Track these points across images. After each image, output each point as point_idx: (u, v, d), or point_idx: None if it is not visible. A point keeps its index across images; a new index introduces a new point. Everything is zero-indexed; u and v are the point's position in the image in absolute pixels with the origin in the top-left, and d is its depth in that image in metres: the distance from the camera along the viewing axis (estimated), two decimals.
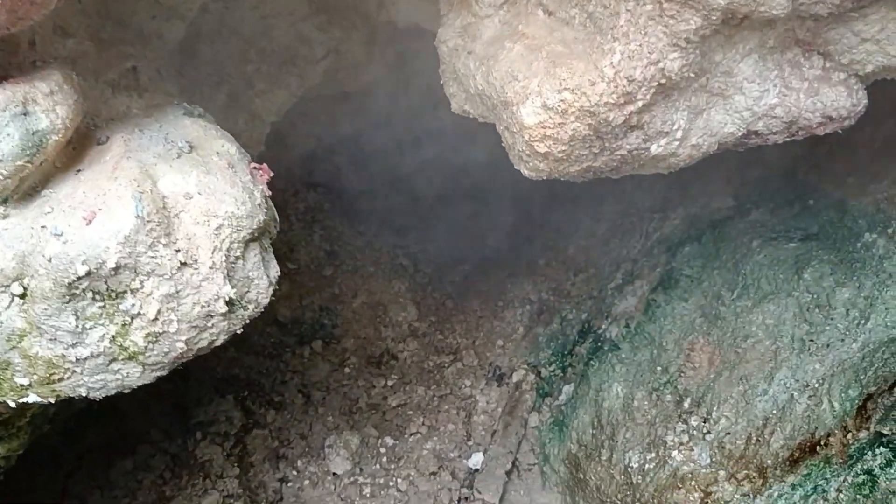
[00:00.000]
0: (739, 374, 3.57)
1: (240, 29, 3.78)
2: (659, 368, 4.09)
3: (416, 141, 6.13)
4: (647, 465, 3.74)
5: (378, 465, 4.74)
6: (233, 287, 2.18)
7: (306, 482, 4.65)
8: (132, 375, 2.18)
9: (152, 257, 2.03)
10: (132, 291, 2.05)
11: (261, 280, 2.31)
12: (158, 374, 2.21)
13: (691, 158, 2.50)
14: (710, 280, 4.13)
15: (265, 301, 2.35)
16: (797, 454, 3.06)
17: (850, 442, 2.86)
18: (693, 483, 3.43)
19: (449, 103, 3.00)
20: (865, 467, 2.72)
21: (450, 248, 6.86)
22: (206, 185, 2.20)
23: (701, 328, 4.00)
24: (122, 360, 2.13)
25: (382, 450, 4.83)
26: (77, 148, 2.25)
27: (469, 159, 6.21)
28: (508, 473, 4.55)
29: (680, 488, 3.46)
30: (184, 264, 2.08)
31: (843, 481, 2.76)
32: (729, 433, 3.44)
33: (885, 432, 2.74)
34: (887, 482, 2.58)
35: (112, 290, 2.04)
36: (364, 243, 5.87)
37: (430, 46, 3.07)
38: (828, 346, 3.27)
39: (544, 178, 2.52)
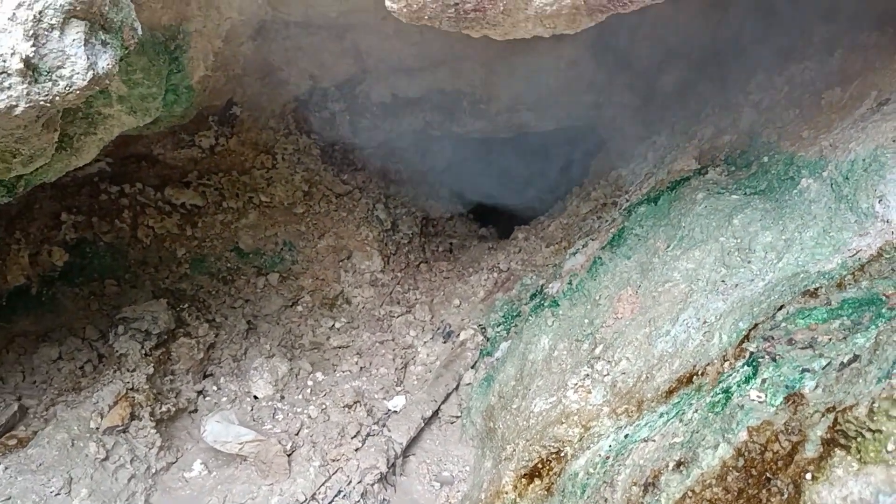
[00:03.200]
0: (650, 317, 3.29)
1: None
2: (587, 321, 3.83)
3: (419, 99, 6.06)
4: (545, 408, 3.47)
5: (301, 396, 4.59)
6: (37, 51, 2.12)
7: (223, 398, 4.54)
8: None
9: None
10: None
11: (80, 60, 2.24)
12: None
13: (560, 5, 2.31)
14: (655, 236, 3.86)
15: (82, 83, 2.27)
16: (675, 385, 2.77)
17: (726, 370, 2.56)
18: (576, 418, 3.16)
19: None
20: (724, 386, 2.43)
21: (445, 220, 6.72)
22: None
23: (634, 281, 3.74)
24: None
25: (310, 382, 4.68)
26: None
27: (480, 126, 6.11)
28: (426, 420, 4.33)
29: (563, 423, 3.19)
30: None
31: (701, 402, 2.47)
32: (624, 373, 3.16)
33: (752, 349, 2.45)
34: (739, 398, 2.29)
35: None
36: (344, 191, 5.79)
37: None
38: (737, 286, 2.98)
39: (405, 11, 2.38)
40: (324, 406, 4.40)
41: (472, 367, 4.66)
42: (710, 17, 5.21)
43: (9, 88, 2.12)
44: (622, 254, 4.02)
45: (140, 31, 2.56)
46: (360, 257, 5.49)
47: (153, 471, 4.02)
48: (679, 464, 2.32)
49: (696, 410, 2.46)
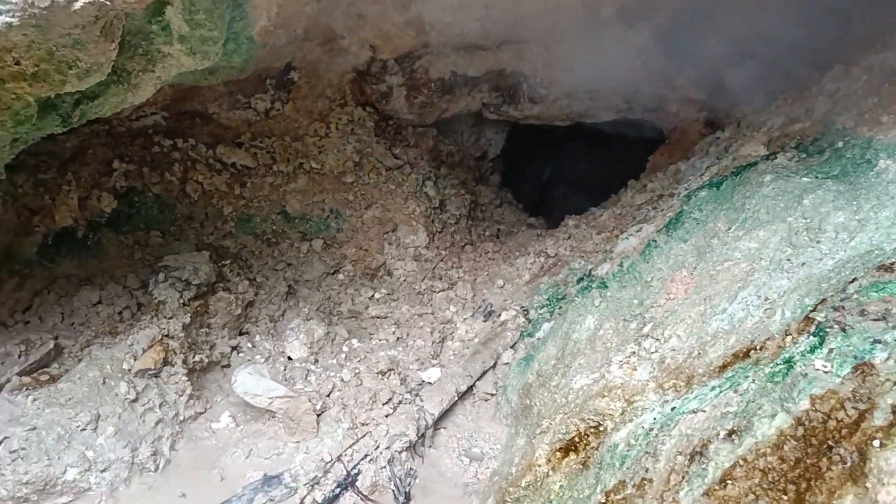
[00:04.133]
0: (705, 296, 3.14)
1: None
2: (636, 302, 3.68)
3: (477, 79, 5.97)
4: (586, 384, 3.33)
5: (335, 361, 4.51)
6: None
7: (258, 356, 4.49)
8: None
9: None
10: None
11: None
12: (7, 19, 2.09)
13: None
14: (715, 220, 3.70)
15: None
16: (729, 360, 2.61)
17: (787, 344, 2.40)
18: (619, 392, 3.01)
19: None
20: (786, 356, 2.27)
21: (493, 207, 6.62)
22: None
23: (689, 264, 3.57)
24: None
25: (345, 349, 4.60)
26: None
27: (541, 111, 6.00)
28: (460, 394, 4.21)
29: (605, 397, 3.04)
30: None
31: (760, 373, 2.31)
32: (674, 350, 3.01)
33: (819, 319, 2.28)
34: (802, 367, 2.13)
35: None
36: (394, 165, 5.72)
37: None
38: (803, 264, 2.81)
39: None
40: (357, 371, 4.31)
41: (512, 347, 4.53)
42: (783, 11, 5.02)
43: None
44: (678, 237, 3.86)
45: None
46: (405, 231, 5.40)
47: (181, 418, 3.97)
48: (731, 433, 2.17)
49: (753, 381, 2.31)
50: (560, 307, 4.45)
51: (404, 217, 5.45)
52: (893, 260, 2.39)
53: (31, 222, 4.55)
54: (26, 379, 3.98)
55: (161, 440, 3.80)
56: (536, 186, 8.09)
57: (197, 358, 4.20)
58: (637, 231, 4.36)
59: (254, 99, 5.49)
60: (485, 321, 4.83)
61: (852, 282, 2.38)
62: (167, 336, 4.13)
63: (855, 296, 2.29)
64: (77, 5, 2.11)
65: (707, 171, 4.55)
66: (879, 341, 2.05)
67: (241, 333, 4.67)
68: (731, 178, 3.94)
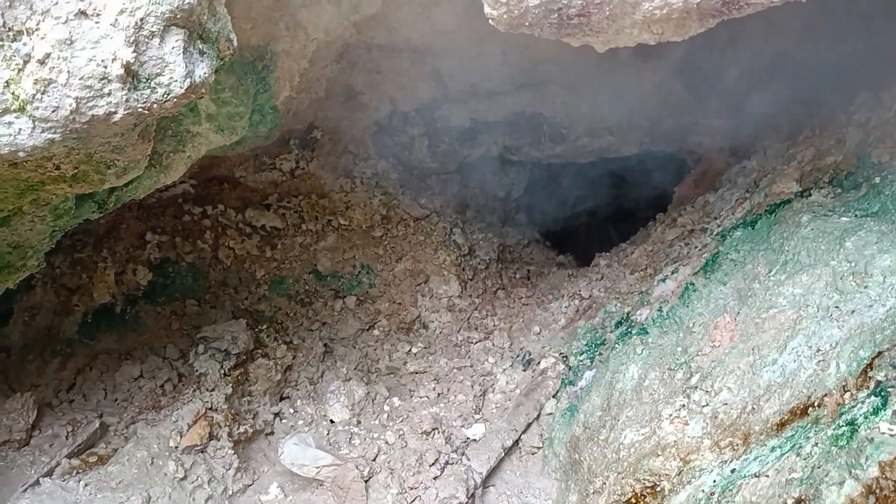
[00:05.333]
0: (753, 345, 3.09)
1: None
2: (679, 349, 3.64)
3: (497, 123, 6.00)
4: (637, 440, 3.28)
5: (377, 421, 4.49)
6: (137, 57, 2.11)
7: (300, 422, 4.48)
8: (23, 132, 2.11)
9: None
10: (28, 32, 2.02)
11: (178, 67, 2.22)
12: (49, 136, 2.13)
13: (670, 8, 2.19)
14: (754, 262, 3.65)
15: (179, 91, 2.25)
16: (787, 417, 2.57)
17: (847, 401, 2.35)
18: (673, 451, 2.96)
19: None
20: (848, 418, 2.22)
21: (521, 248, 6.61)
22: None
23: (732, 309, 3.53)
24: (14, 111, 2.08)
25: (387, 408, 4.59)
26: None
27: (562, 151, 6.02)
28: (506, 449, 4.17)
29: (659, 455, 3.00)
30: (83, 13, 2.02)
31: (822, 435, 2.27)
32: (726, 403, 2.96)
33: (879, 378, 2.24)
34: (867, 430, 2.08)
35: (8, 28, 2.01)
36: (421, 215, 5.73)
37: None
38: (853, 312, 2.77)
39: (505, 17, 2.30)
40: (401, 432, 4.29)
41: (554, 397, 4.49)
42: (804, 37, 5.00)
43: (109, 95, 2.11)
44: (717, 279, 3.82)
45: (235, 43, 2.54)
46: (437, 282, 5.40)
47: (230, 492, 3.96)
48: (799, 501, 2.12)
49: (816, 444, 2.26)
50: (600, 353, 4.41)
51: (435, 267, 5.45)
52: None
53: (71, 301, 4.61)
54: (76, 462, 4.01)
55: None
56: (560, 217, 8.06)
57: (241, 429, 4.20)
58: (673, 273, 4.32)
59: (279, 160, 5.55)
60: (524, 370, 4.80)
61: None
62: (211, 409, 4.14)
63: None
64: (116, 117, 2.14)
65: (738, 206, 4.51)
66: None
67: (281, 399, 4.67)
68: (766, 216, 3.90)
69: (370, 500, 3.85)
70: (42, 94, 2.06)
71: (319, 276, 5.34)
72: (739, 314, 3.42)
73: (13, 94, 2.07)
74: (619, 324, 4.52)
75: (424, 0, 4.34)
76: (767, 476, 2.34)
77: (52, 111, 2.08)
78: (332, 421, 4.51)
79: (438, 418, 4.41)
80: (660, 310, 4.06)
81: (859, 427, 2.14)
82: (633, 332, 4.12)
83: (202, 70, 2.32)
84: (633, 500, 2.97)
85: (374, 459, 4.13)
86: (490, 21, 2.40)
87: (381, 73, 5.35)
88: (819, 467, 2.15)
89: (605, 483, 3.23)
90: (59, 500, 3.62)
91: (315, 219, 5.50)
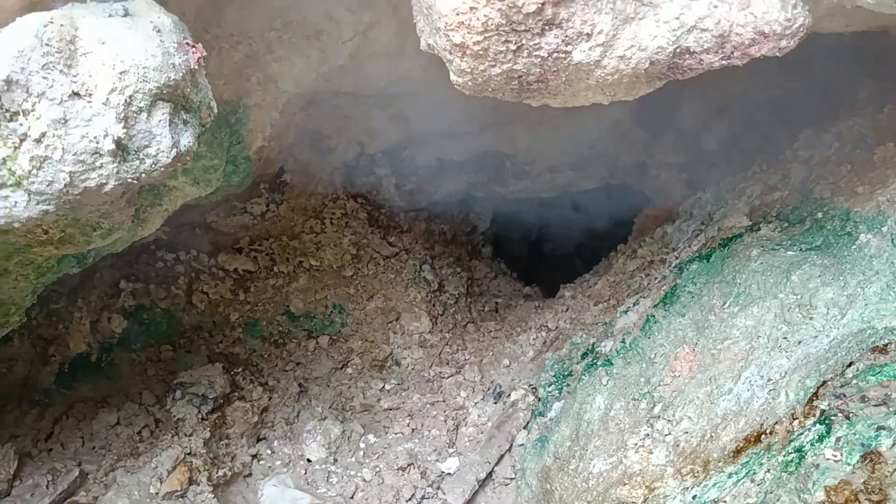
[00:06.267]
0: (710, 375, 3.28)
1: None
2: (643, 380, 3.82)
3: (462, 163, 6.19)
4: (604, 469, 3.44)
5: (353, 458, 4.60)
6: (127, 132, 2.24)
7: (277, 462, 4.56)
8: (19, 205, 2.23)
9: (45, 79, 2.12)
10: (24, 113, 2.14)
11: (164, 139, 2.36)
12: (44, 207, 2.25)
13: (620, 74, 2.39)
14: (709, 294, 3.86)
15: (166, 161, 2.39)
16: (742, 445, 2.75)
17: (795, 429, 2.54)
18: (639, 479, 3.13)
19: None
20: (797, 445, 2.41)
21: (489, 280, 6.78)
22: (122, 37, 2.30)
23: (691, 339, 3.73)
24: (10, 185, 2.20)
25: (362, 445, 4.70)
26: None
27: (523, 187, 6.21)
28: (480, 482, 4.30)
29: (626, 484, 3.16)
30: (76, 94, 2.16)
31: (773, 461, 2.45)
32: (687, 432, 3.14)
33: (823, 407, 2.43)
34: (813, 457, 2.27)
35: (5, 110, 2.13)
36: (391, 253, 5.88)
37: None
38: (799, 342, 2.97)
39: (470, 84, 2.48)
40: (378, 469, 4.40)
41: (525, 428, 4.64)
42: (753, 77, 5.28)
43: (101, 167, 2.24)
44: (676, 311, 4.02)
45: (216, 110, 2.68)
46: (408, 318, 5.54)
47: None
48: None
49: (769, 470, 2.44)
50: (568, 384, 4.58)
51: (406, 305, 5.59)
52: (886, 341, 2.55)
53: (48, 352, 4.65)
54: None
55: None
56: (524, 247, 8.27)
57: (220, 472, 4.27)
58: (634, 305, 4.52)
59: (249, 203, 5.65)
60: (495, 403, 4.95)
61: (850, 365, 2.54)
62: (190, 454, 4.21)
63: (854, 381, 2.45)
64: (108, 188, 2.27)
65: (695, 238, 4.74)
66: (883, 427, 2.19)
67: (258, 440, 4.75)
68: (720, 249, 4.12)
69: None
70: (38, 169, 2.18)
71: (292, 317, 5.44)
72: (697, 345, 3.61)
73: (10, 170, 2.18)
74: (584, 355, 4.70)
75: (391, 51, 4.51)
76: (725, 502, 2.51)
77: (48, 185, 2.20)
78: (308, 460, 4.60)
79: (413, 453, 4.53)
80: (623, 341, 4.24)
81: (806, 454, 2.32)
82: (599, 363, 4.29)
83: (186, 139, 2.47)
84: None
85: (351, 497, 4.24)
86: (456, 86, 2.57)
87: (348, 118, 5.52)
88: (771, 492, 2.32)
89: None
90: None
91: (286, 260, 5.62)
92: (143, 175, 2.36)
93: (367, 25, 4.40)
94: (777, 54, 2.32)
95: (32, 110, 2.15)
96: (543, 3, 2.18)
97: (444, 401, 5.02)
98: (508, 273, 7.18)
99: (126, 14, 2.46)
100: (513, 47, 2.32)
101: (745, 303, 3.45)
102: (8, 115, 2.15)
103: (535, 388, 4.89)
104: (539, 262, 7.43)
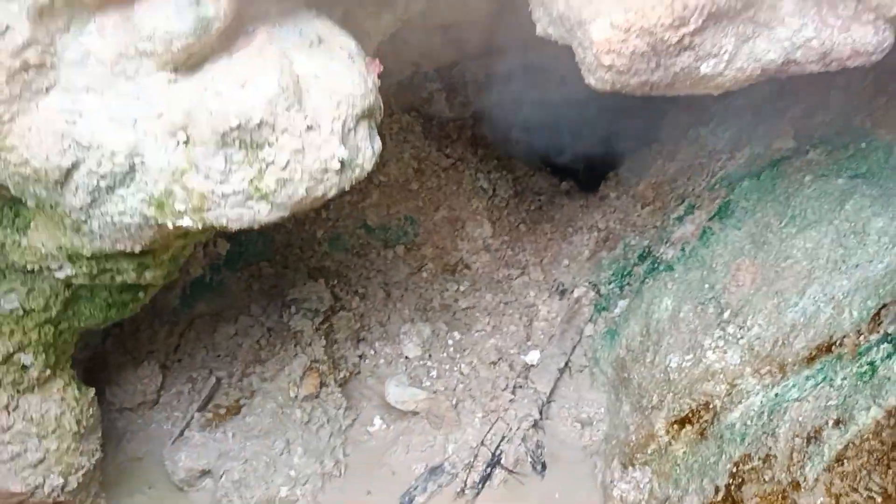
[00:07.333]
0: (775, 289, 3.97)
1: None
2: (706, 286, 4.51)
3: (508, 75, 6.58)
4: (684, 364, 4.20)
5: (445, 354, 5.34)
6: (346, 150, 2.75)
7: (381, 361, 5.30)
8: (262, 212, 2.77)
9: (286, 119, 2.61)
10: (269, 144, 2.64)
11: (367, 149, 2.88)
12: (281, 213, 2.79)
13: (736, 80, 2.91)
14: (763, 211, 4.49)
15: (369, 167, 2.92)
16: (814, 353, 3.48)
17: (862, 343, 3.26)
18: (721, 376, 3.89)
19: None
20: (869, 360, 3.14)
21: (528, 177, 7.34)
22: (330, 69, 2.79)
23: (749, 252, 4.39)
24: (256, 198, 2.72)
25: (450, 342, 5.43)
26: (230, 36, 2.81)
27: (560, 96, 6.64)
28: (561, 370, 5.09)
29: (710, 381, 3.92)
30: (309, 128, 2.66)
31: (849, 371, 3.18)
32: (759, 338, 3.87)
33: (890, 332, 3.14)
34: (885, 371, 3.00)
35: (254, 142, 2.63)
36: (448, 164, 6.40)
37: None
38: (857, 266, 3.65)
39: (608, 88, 2.97)
40: (472, 363, 5.16)
41: (591, 321, 5.38)
42: None
43: (327, 181, 2.77)
44: (732, 224, 4.66)
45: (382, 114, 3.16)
46: (472, 226, 6.15)
47: (343, 428, 4.80)
48: (837, 422, 3.05)
49: (845, 378, 3.18)
50: (629, 284, 5.28)
51: (469, 214, 6.19)
52: None
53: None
54: (208, 414, 4.77)
55: (336, 449, 4.63)
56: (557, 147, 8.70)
57: (341, 375, 5.00)
58: (687, 214, 5.15)
59: None
60: (560, 300, 5.67)
61: None
62: (315, 361, 4.92)
63: None
64: (329, 195, 2.81)
65: (738, 150, 5.31)
66: None
67: (358, 339, 5.46)
68: (770, 169, 4.72)
69: (462, 424, 4.74)
70: (282, 188, 2.71)
71: (370, 230, 6.03)
72: (757, 258, 4.29)
73: (255, 187, 2.71)
74: (641, 257, 5.38)
75: None
76: (808, 401, 3.26)
77: (288, 198, 2.74)
78: (406, 357, 5.34)
79: (499, 348, 5.29)
80: (682, 249, 4.91)
81: (878, 367, 3.05)
82: (661, 268, 4.98)
83: (377, 145, 2.99)
84: (691, 415, 3.91)
85: (454, 389, 5.00)
86: (588, 85, 3.06)
87: (406, 44, 5.86)
88: (850, 396, 3.06)
89: (662, 400, 4.17)
90: (214, 450, 4.41)
91: None
92: (353, 179, 2.89)
93: None
94: (866, 65, 2.84)
95: (276, 142, 2.66)
96: (683, 35, 2.67)
97: (515, 300, 5.73)
98: (543, 168, 7.72)
99: (320, 42, 2.91)
100: (653, 66, 2.82)
101: (802, 225, 4.11)
102: (255, 145, 2.66)
103: (595, 285, 5.61)
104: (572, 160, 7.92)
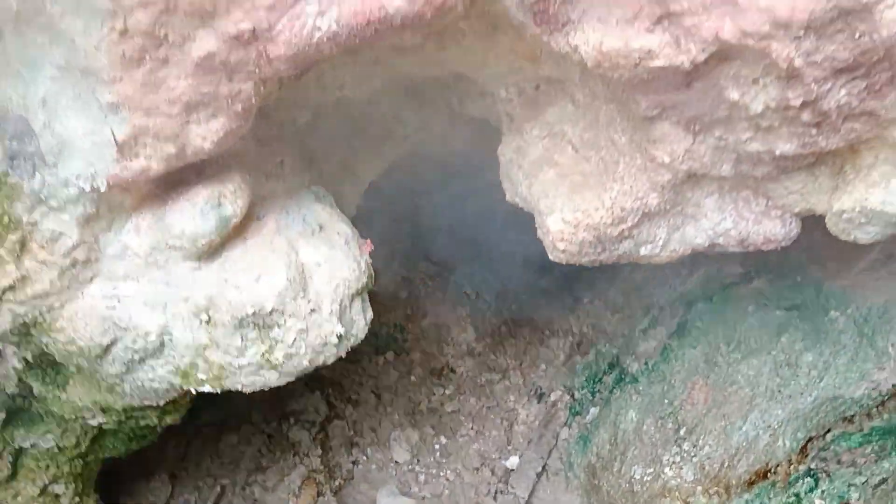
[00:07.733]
0: (723, 412, 4.49)
1: (350, 112, 4.89)
2: (666, 401, 5.02)
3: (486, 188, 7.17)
4: (645, 478, 4.69)
5: (432, 459, 5.80)
6: (343, 326, 3.27)
7: (373, 466, 5.74)
8: (271, 379, 3.28)
9: (293, 306, 3.13)
10: (278, 325, 3.16)
11: (360, 321, 3.40)
12: (287, 379, 3.30)
13: (671, 258, 3.47)
14: (715, 333, 5.03)
15: (362, 335, 3.43)
16: (753, 478, 3.98)
17: (791, 472, 3.77)
18: (677, 493, 4.37)
19: None
20: (795, 491, 3.64)
21: (508, 284, 7.89)
22: (330, 257, 3.31)
23: (703, 371, 4.91)
24: (267, 368, 3.23)
25: (437, 446, 5.89)
26: (244, 221, 3.35)
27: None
28: (538, 475, 5.55)
29: (666, 497, 4.41)
30: (312, 310, 3.18)
31: (779, 500, 3.68)
32: (709, 458, 4.37)
33: (812, 467, 3.65)
34: (808, 502, 3.50)
35: (266, 324, 3.14)
36: (435, 272, 6.94)
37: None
38: (790, 397, 4.17)
39: (563, 260, 3.53)
40: (457, 469, 5.62)
41: (566, 425, 5.87)
42: None
43: (326, 351, 3.28)
44: (688, 343, 5.19)
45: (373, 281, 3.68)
46: (457, 331, 6.67)
47: None
48: None
49: None
50: (600, 391, 5.79)
51: (454, 319, 6.71)
52: (852, 412, 3.76)
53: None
54: None
55: None
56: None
57: (335, 483, 5.45)
58: (652, 329, 5.68)
59: None
60: (538, 403, 6.16)
61: (828, 431, 3.75)
62: (312, 471, 5.37)
63: (832, 446, 3.66)
64: (329, 361, 3.32)
65: (695, 272, 5.88)
66: (853, 485, 3.42)
67: (352, 444, 5.92)
68: (721, 292, 5.27)
69: None
70: (288, 360, 3.22)
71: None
72: (709, 378, 4.81)
73: (267, 359, 3.21)
74: (611, 366, 5.90)
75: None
76: None
77: (294, 367, 3.25)
78: (396, 462, 5.79)
79: (482, 453, 5.76)
80: (646, 363, 5.43)
81: (802, 499, 3.55)
82: (627, 379, 5.49)
83: (368, 314, 3.50)
84: None
85: (441, 496, 5.45)
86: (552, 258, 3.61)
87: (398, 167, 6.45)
88: None
89: None
90: None
91: None
92: (349, 348, 3.41)
93: (426, 119, 5.33)
94: (777, 249, 3.40)
95: (284, 324, 3.17)
96: (623, 230, 3.24)
97: (497, 405, 6.21)
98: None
99: (321, 229, 3.45)
100: (599, 250, 3.38)
101: (745, 352, 4.64)
102: (268, 327, 3.17)
103: (570, 389, 6.11)
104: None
